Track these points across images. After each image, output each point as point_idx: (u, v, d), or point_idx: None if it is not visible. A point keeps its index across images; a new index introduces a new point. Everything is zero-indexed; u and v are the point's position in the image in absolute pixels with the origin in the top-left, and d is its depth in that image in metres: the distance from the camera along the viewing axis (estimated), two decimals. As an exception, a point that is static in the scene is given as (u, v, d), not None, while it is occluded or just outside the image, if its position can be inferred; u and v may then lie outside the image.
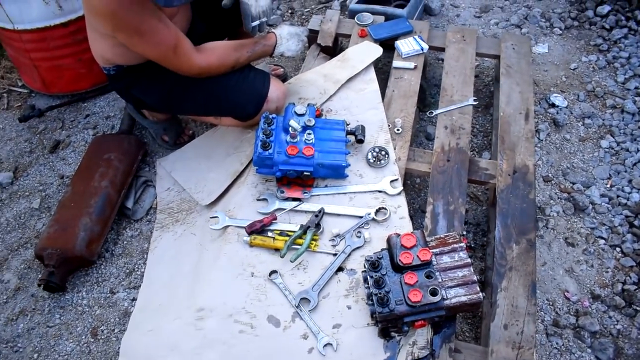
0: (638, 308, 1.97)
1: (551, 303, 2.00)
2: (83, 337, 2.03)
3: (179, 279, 1.97)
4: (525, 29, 3.05)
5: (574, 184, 2.32)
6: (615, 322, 1.95)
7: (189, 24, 2.11)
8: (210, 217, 2.01)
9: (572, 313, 1.98)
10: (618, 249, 2.13)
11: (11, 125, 2.82)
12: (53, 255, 2.07)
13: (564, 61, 2.87)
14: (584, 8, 3.16)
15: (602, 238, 2.16)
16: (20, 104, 2.95)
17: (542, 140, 2.48)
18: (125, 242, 2.27)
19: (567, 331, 1.93)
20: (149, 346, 1.79)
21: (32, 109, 2.81)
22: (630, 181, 2.31)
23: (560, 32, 3.03)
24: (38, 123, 2.80)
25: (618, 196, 2.27)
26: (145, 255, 2.18)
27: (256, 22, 2.06)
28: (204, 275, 1.89)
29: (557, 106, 2.61)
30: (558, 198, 2.28)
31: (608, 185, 2.32)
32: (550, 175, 2.36)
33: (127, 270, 2.18)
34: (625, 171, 2.36)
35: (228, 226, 1.97)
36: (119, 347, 1.87)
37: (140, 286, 2.07)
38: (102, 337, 2.02)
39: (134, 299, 2.05)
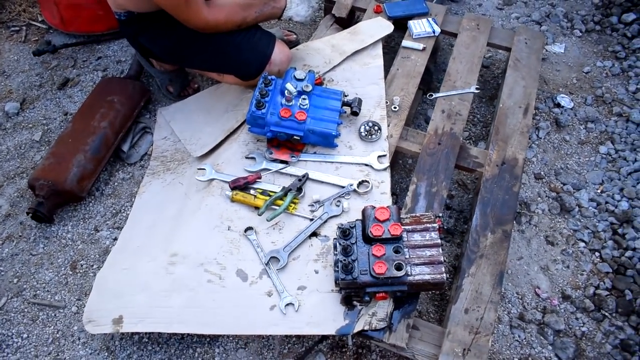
0: (606, 314, 1.98)
1: (520, 297, 2.02)
2: (62, 268, 2.09)
3: (160, 225, 2.02)
4: (545, 27, 3.01)
5: (564, 184, 2.32)
6: (582, 324, 1.97)
7: None
8: (198, 169, 2.05)
9: (539, 309, 1.99)
10: (597, 254, 2.13)
11: (25, 58, 2.87)
12: (44, 187, 2.13)
13: (578, 63, 2.83)
14: (609, 13, 3.10)
15: (583, 241, 2.16)
16: (37, 38, 2.99)
17: (540, 138, 2.47)
18: (116, 184, 2.33)
19: (532, 326, 1.95)
20: (121, 283, 1.85)
21: (47, 45, 2.85)
22: (621, 189, 2.30)
23: (580, 34, 2.98)
24: (51, 59, 2.85)
25: (607, 202, 2.27)
26: (133, 199, 2.23)
27: None
28: (183, 223, 1.94)
29: (562, 106, 2.59)
30: (546, 196, 2.28)
31: (599, 191, 2.31)
32: (542, 173, 2.35)
33: (114, 211, 2.24)
34: (619, 179, 2.34)
35: (213, 179, 2.01)
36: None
37: (123, 227, 2.12)
38: (81, 271, 2.08)
39: (116, 239, 2.11)
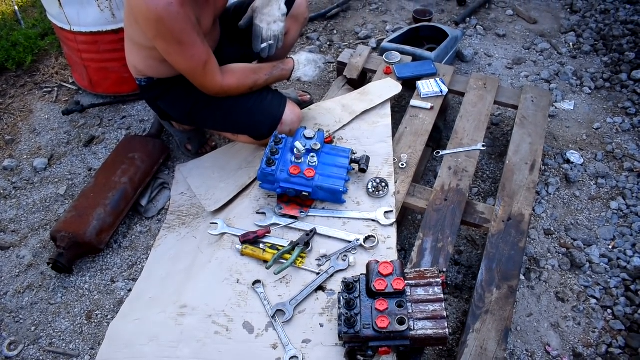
0: (619, 373, 1.95)
1: (530, 354, 2.00)
2: (78, 318, 2.16)
3: (173, 277, 2.08)
4: (554, 85, 3.08)
5: (575, 240, 2.32)
6: (594, 384, 1.93)
7: (216, 45, 2.26)
8: (211, 223, 2.13)
9: (549, 367, 1.97)
10: (609, 311, 2.11)
11: (55, 117, 3.05)
12: (65, 238, 2.22)
13: (588, 120, 2.87)
14: (619, 71, 3.16)
15: (595, 297, 2.15)
16: (67, 98, 3.18)
17: (550, 194, 2.49)
18: (133, 237, 2.41)
19: (541, 384, 1.93)
20: (132, 334, 1.90)
21: (76, 105, 3.02)
22: (634, 245, 2.29)
23: (590, 91, 3.04)
24: (79, 118, 3.02)
25: (619, 258, 2.25)
26: (149, 252, 2.31)
27: (265, 45, 2.19)
28: (194, 275, 2.00)
29: (572, 162, 2.62)
30: (556, 252, 2.28)
31: (610, 247, 2.31)
32: (552, 229, 2.36)
33: (130, 263, 2.32)
34: (631, 235, 2.34)
35: (225, 233, 2.08)
36: (107, 332, 1.99)
37: (138, 279, 2.19)
38: (96, 320, 2.14)
39: (131, 290, 2.17)
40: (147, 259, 2.28)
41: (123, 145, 2.62)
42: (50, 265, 2.22)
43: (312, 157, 2.08)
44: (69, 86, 3.25)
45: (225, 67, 2.10)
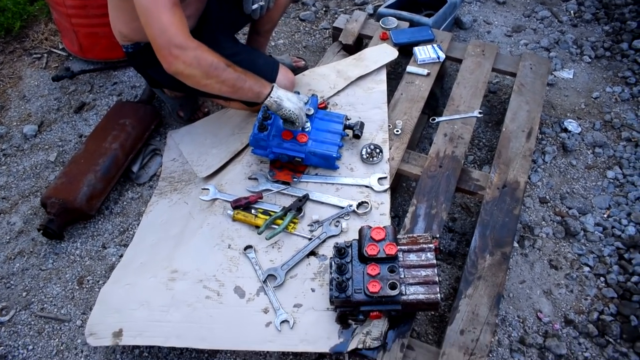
0: (611, 339, 1.94)
1: (522, 321, 2.00)
2: (70, 283, 2.15)
3: (164, 243, 2.07)
4: (553, 53, 3.03)
5: (570, 208, 2.30)
6: (584, 350, 1.93)
7: (204, 6, 2.12)
8: (202, 189, 2.10)
9: (540, 333, 1.97)
10: (602, 279, 2.10)
11: (45, 83, 3.00)
12: (55, 204, 2.20)
13: (587, 89, 2.83)
14: (620, 40, 3.11)
15: (588, 265, 2.14)
16: (57, 65, 3.12)
17: (546, 163, 2.47)
18: (124, 203, 2.39)
19: (532, 350, 1.93)
20: (123, 299, 1.89)
21: (66, 71, 2.97)
22: (629, 214, 2.28)
23: (590, 60, 2.99)
24: (69, 84, 2.96)
25: (613, 227, 2.24)
26: (141, 218, 2.28)
27: (256, 5, 2.13)
28: (185, 241, 1.98)
29: (570, 131, 2.59)
30: (551, 220, 2.27)
31: (605, 215, 2.29)
32: (547, 197, 2.34)
33: (122, 229, 2.30)
34: (627, 204, 2.32)
35: (216, 199, 2.06)
36: (98, 297, 1.98)
37: (129, 244, 2.18)
38: (87, 286, 2.13)
39: (122, 256, 2.16)
40: (138, 225, 2.26)
41: (114, 111, 2.57)
42: (41, 231, 2.20)
43: (306, 122, 2.04)
44: (59, 52, 3.18)
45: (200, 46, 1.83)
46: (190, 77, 1.81)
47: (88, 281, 2.15)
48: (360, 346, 1.64)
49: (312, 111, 2.08)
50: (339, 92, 2.36)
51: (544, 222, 2.27)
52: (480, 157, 2.52)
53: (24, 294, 2.13)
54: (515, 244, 2.19)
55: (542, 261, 2.15)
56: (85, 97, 2.88)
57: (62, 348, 1.99)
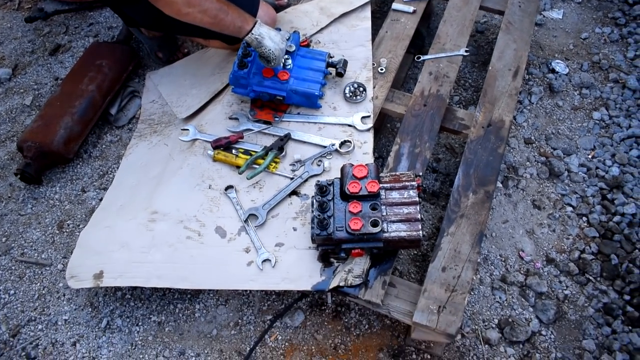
0: (591, 277, 1.96)
1: (504, 259, 2.01)
2: (50, 228, 2.12)
3: (143, 184, 2.03)
4: (544, -8, 2.95)
5: (554, 149, 2.29)
6: (565, 288, 1.95)
7: None
8: (182, 129, 2.06)
9: (522, 272, 1.98)
10: (584, 219, 2.11)
11: (18, 25, 2.88)
12: (31, 148, 2.14)
13: (576, 30, 2.77)
14: (611, -21, 3.03)
15: (571, 205, 2.14)
16: (30, 6, 3.00)
17: (532, 103, 2.43)
18: (103, 146, 2.34)
19: (513, 288, 1.94)
20: (103, 241, 1.87)
21: (39, 12, 2.85)
22: (613, 155, 2.27)
23: (580, 0, 2.92)
24: (44, 26, 2.85)
25: (597, 168, 2.23)
26: (120, 161, 2.24)
27: None
28: (165, 182, 1.95)
29: (557, 72, 2.55)
30: (535, 161, 2.25)
31: (590, 156, 2.28)
32: (533, 137, 2.32)
33: (101, 173, 2.25)
34: (611, 145, 2.31)
35: (197, 139, 2.01)
36: (79, 240, 1.96)
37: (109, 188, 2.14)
38: (67, 230, 2.11)
39: (101, 199, 2.12)
40: (117, 168, 2.22)
41: (90, 53, 2.49)
42: (18, 175, 2.15)
43: (287, 59, 1.98)
44: (32, -8, 3.06)
45: None
46: (171, 4, 1.76)
47: (68, 225, 2.12)
48: (342, 284, 1.63)
49: (293, 48, 2.01)
50: (322, 29, 2.29)
51: (528, 163, 2.25)
52: (466, 98, 2.48)
53: (4, 239, 2.10)
54: (499, 185, 2.18)
55: (525, 201, 2.15)
56: (61, 39, 2.78)
57: (44, 292, 1.98)
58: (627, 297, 1.91)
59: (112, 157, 2.29)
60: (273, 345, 1.83)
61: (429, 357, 1.81)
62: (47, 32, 2.82)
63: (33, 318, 1.92)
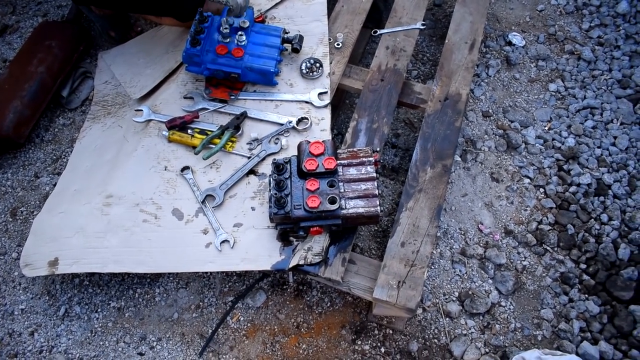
0: (548, 248, 2.00)
1: (463, 233, 2.03)
2: (2, 215, 2.06)
3: (98, 168, 1.98)
4: (500, -35, 2.94)
5: (512, 122, 2.31)
6: (523, 259, 1.99)
7: None
8: (135, 110, 2.00)
9: (481, 244, 2.01)
10: (541, 190, 2.14)
11: (-39, 4, 2.76)
12: (-21, 133, 2.07)
13: (533, 2, 2.78)
14: (567, -50, 3.04)
15: (528, 177, 2.17)
16: (-27, -16, 2.86)
17: (490, 76, 2.45)
18: (56, 130, 2.27)
19: (473, 261, 1.97)
20: (57, 227, 1.82)
21: (-17, -10, 2.73)
22: (569, 126, 2.30)
23: (536, -28, 2.93)
24: (-12, 5, 2.74)
25: (553, 139, 2.27)
26: (74, 144, 2.17)
27: None
28: (120, 165, 1.90)
29: (514, 45, 2.56)
30: (493, 134, 2.28)
31: (546, 128, 2.31)
32: (490, 111, 2.34)
33: (54, 157, 2.19)
34: (567, 116, 2.34)
35: (151, 120, 1.97)
36: (32, 227, 1.90)
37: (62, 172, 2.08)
38: (21, 217, 2.05)
39: (56, 184, 2.06)
40: (71, 152, 2.16)
41: (38, 33, 2.39)
42: (-34, 161, 2.08)
43: (241, 35, 1.94)
44: (-25, -31, 2.91)
45: None
46: None
47: (22, 212, 2.06)
48: (301, 262, 1.63)
49: (247, 23, 1.97)
50: (277, 4, 2.24)
51: (486, 136, 2.27)
52: (424, 72, 2.48)
53: (-47, 227, 2.03)
54: (458, 158, 2.19)
55: (483, 174, 2.17)
56: (8, 19, 2.67)
57: (-2, 281, 1.93)
58: (583, 266, 1.96)
59: (65, 140, 2.23)
60: (235, 327, 1.83)
61: (391, 332, 1.83)
62: (-7, 12, 2.70)
63: (-12, 308, 1.87)
